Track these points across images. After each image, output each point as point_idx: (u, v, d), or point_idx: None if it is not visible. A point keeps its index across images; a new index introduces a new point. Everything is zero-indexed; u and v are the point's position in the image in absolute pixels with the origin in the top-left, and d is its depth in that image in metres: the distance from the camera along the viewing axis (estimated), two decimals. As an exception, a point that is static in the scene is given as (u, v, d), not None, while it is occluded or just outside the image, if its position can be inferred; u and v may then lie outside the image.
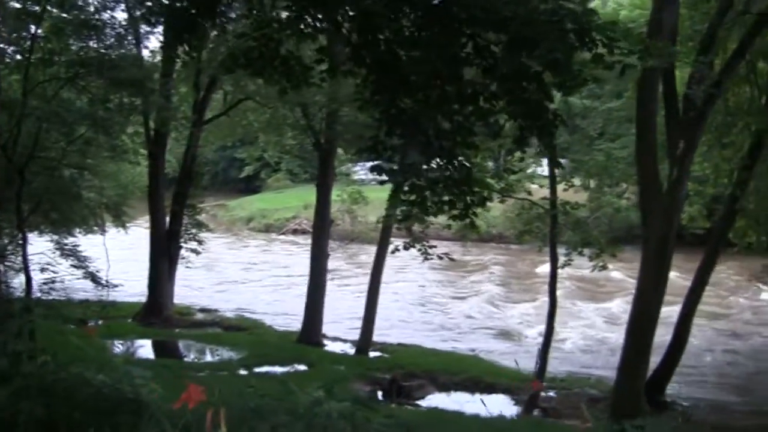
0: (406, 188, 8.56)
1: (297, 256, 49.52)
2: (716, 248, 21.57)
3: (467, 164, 8.27)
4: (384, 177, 8.20)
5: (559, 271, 20.44)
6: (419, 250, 19.69)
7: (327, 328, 26.98)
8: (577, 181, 22.51)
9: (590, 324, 30.68)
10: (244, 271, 44.20)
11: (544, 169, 28.17)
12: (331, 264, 27.42)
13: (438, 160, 8.10)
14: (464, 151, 8.05)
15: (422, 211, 9.12)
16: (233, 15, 8.35)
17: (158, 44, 26.93)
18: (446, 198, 8.64)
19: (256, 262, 48.29)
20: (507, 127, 9.50)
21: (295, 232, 64.04)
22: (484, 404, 18.95)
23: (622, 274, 35.55)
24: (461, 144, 7.83)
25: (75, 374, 4.90)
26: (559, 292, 21.35)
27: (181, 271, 29.68)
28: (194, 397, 3.29)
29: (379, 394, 20.14)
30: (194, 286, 35.48)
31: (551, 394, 20.62)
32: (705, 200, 26.90)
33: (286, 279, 40.90)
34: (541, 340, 20.96)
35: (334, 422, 4.11)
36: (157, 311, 27.46)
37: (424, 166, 8.27)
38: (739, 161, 22.03)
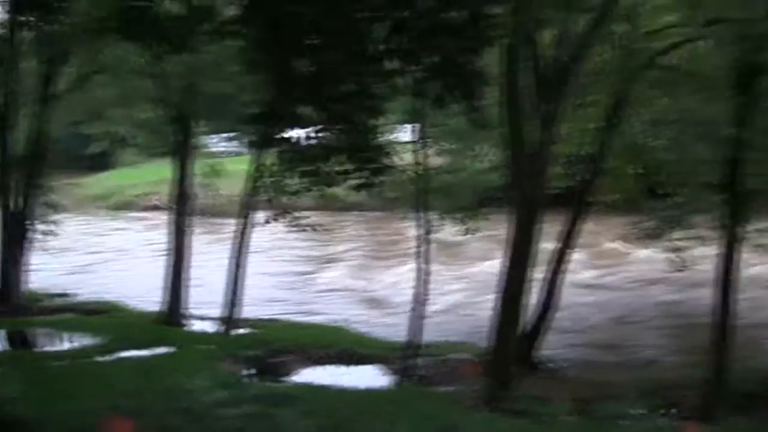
0: (301, 159, 7.96)
1: (155, 233, 48.07)
2: (580, 207, 21.81)
3: (366, 130, 7.74)
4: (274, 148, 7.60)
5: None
6: (288, 221, 19.16)
7: (194, 307, 26.12)
8: (446, 146, 22.32)
9: (456, 289, 30.65)
10: (100, 253, 42.50)
11: (398, 136, 27.90)
12: (194, 240, 26.51)
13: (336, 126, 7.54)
14: (363, 117, 7.50)
15: (322, 182, 8.59)
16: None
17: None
18: (349, 167, 8.14)
19: (113, 242, 46.58)
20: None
21: (152, 208, 62.27)
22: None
23: (482, 237, 35.48)
24: (361, 108, 7.31)
25: None
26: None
27: (32, 256, 28.10)
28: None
29: (249, 372, 19.58)
30: (47, 270, 33.79)
31: (425, 361, 20.45)
32: (564, 160, 27.21)
33: (147, 258, 39.52)
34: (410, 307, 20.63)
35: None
36: (5, 298, 25.97)
37: (320, 134, 7.72)
38: (601, 121, 22.27)
